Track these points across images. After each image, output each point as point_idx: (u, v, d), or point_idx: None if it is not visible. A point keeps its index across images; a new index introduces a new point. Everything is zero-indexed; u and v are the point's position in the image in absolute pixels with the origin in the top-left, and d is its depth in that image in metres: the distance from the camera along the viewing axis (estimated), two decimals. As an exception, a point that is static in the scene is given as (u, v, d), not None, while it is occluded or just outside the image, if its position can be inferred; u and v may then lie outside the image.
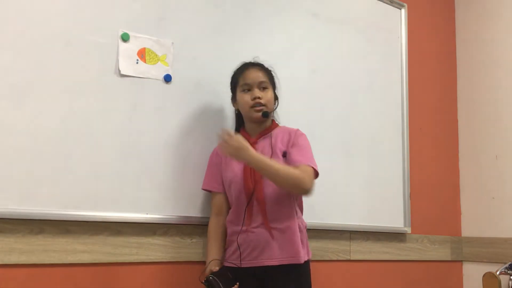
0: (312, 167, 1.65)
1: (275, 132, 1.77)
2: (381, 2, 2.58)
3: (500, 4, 2.77)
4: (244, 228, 1.67)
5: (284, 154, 1.70)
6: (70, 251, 1.58)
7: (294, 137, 1.73)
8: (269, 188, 1.66)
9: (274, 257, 1.64)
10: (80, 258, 1.60)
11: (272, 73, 1.80)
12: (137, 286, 1.71)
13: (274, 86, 1.79)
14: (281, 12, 2.18)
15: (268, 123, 1.78)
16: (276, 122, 1.84)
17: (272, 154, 1.68)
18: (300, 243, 1.66)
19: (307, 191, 1.63)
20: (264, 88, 1.73)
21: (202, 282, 1.63)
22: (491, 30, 2.79)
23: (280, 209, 1.66)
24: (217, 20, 1.98)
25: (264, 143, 1.74)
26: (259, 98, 1.70)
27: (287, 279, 1.64)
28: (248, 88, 1.73)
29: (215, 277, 1.61)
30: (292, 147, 1.70)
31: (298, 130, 1.77)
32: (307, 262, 1.69)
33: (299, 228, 1.69)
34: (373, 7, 2.54)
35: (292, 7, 2.22)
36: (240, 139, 1.57)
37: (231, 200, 1.75)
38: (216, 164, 1.79)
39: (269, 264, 1.63)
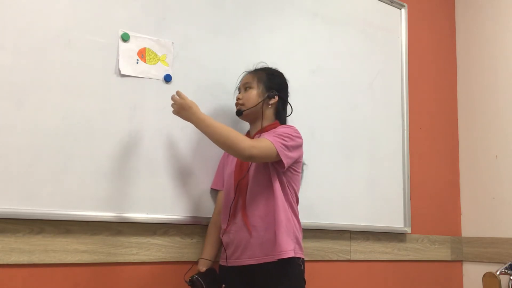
0: (272, 143, 1.57)
1: (270, 130, 1.74)
2: (381, 2, 2.58)
3: (500, 4, 2.77)
4: (228, 227, 1.68)
5: None
6: (70, 251, 1.58)
7: (277, 129, 1.68)
8: (252, 185, 1.65)
9: (254, 256, 1.62)
10: (80, 258, 1.60)
11: (269, 74, 1.78)
12: (137, 286, 1.71)
13: (267, 86, 1.75)
14: (281, 12, 2.18)
15: (265, 123, 1.75)
16: (281, 123, 1.80)
17: None
18: (279, 240, 1.56)
19: (241, 153, 1.54)
20: (248, 88, 1.76)
21: (186, 281, 1.63)
22: (491, 30, 2.80)
23: (261, 206, 1.63)
24: (218, 20, 1.98)
25: None
26: (238, 98, 1.77)
27: (270, 276, 1.60)
28: (239, 92, 1.81)
29: (199, 278, 1.61)
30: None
31: (289, 125, 1.73)
32: (292, 259, 1.58)
33: (285, 224, 1.60)
34: (373, 7, 2.54)
35: (292, 7, 2.22)
36: (186, 99, 1.60)
37: None
38: (222, 164, 1.84)
39: (250, 263, 1.62)
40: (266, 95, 1.74)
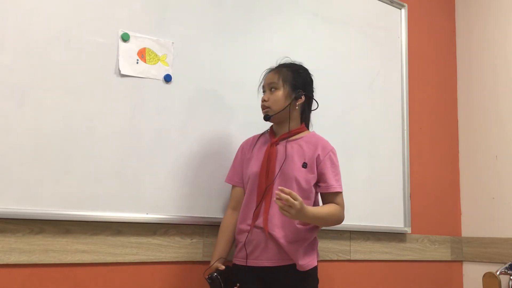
0: (341, 192, 1.75)
1: (300, 138, 1.73)
2: (381, 2, 2.58)
3: (500, 4, 2.77)
4: (250, 227, 1.68)
5: (305, 165, 1.68)
6: (70, 251, 1.58)
7: (326, 155, 1.72)
8: None
9: (272, 258, 1.64)
10: (80, 258, 1.60)
11: (294, 72, 1.73)
12: (137, 286, 1.71)
13: (292, 86, 1.71)
14: (281, 12, 2.19)
15: (292, 125, 1.73)
16: (306, 126, 1.80)
17: (285, 160, 1.67)
18: (299, 251, 1.64)
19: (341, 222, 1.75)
20: (273, 89, 1.71)
21: (205, 278, 1.63)
22: (491, 30, 2.80)
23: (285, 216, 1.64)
24: (217, 20, 1.98)
25: (283, 146, 1.71)
26: (264, 100, 1.71)
27: (287, 280, 1.64)
28: (264, 90, 1.76)
29: (218, 276, 1.62)
30: (325, 166, 1.71)
31: (328, 143, 1.76)
32: (312, 269, 1.67)
33: (305, 236, 1.66)
34: (373, 7, 2.54)
35: (292, 7, 2.22)
36: (302, 201, 1.50)
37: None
38: (240, 159, 1.81)
39: (268, 265, 1.64)
40: (293, 96, 1.71)
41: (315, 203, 1.74)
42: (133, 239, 1.70)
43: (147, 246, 1.73)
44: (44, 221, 1.55)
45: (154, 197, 1.75)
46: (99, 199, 1.64)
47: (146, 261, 1.72)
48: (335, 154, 1.76)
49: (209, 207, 1.85)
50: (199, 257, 1.82)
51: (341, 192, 1.73)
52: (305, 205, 1.52)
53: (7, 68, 1.53)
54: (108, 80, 1.70)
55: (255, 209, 1.67)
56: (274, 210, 1.64)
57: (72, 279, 1.59)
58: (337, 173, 1.74)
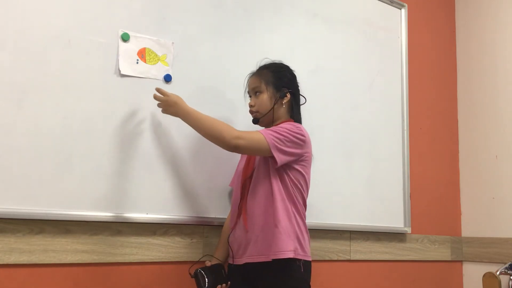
0: (264, 136, 1.54)
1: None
2: (381, 2, 2.58)
3: (500, 4, 2.77)
4: (235, 226, 1.69)
5: None
6: (70, 251, 1.58)
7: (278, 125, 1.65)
8: (253, 183, 1.64)
9: (251, 254, 1.62)
10: (80, 258, 1.60)
11: (275, 72, 1.73)
12: (137, 286, 1.71)
13: (276, 86, 1.70)
14: (281, 12, 2.19)
15: (279, 122, 1.71)
16: (296, 120, 1.75)
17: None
18: (276, 240, 1.54)
19: (226, 143, 1.54)
20: (258, 93, 1.71)
21: (190, 274, 1.64)
22: (491, 30, 2.80)
23: (260, 205, 1.61)
24: (217, 20, 1.98)
25: None
26: (251, 106, 1.73)
27: (266, 277, 1.58)
28: (250, 95, 1.77)
29: (202, 271, 1.63)
30: None
31: (288, 121, 1.69)
32: (290, 261, 1.55)
33: (285, 224, 1.57)
34: (373, 7, 2.54)
35: (292, 7, 2.22)
36: (169, 95, 1.61)
37: None
38: (239, 163, 1.83)
39: (248, 262, 1.62)
40: (277, 96, 1.70)
41: (292, 184, 1.62)
42: (133, 239, 1.70)
43: (147, 246, 1.73)
44: (44, 221, 1.55)
45: (154, 197, 1.75)
46: (99, 199, 1.64)
47: (146, 261, 1.72)
48: (290, 124, 1.63)
49: (209, 207, 1.85)
50: (199, 257, 1.81)
51: (257, 132, 1.55)
52: (181, 103, 1.61)
53: (7, 68, 1.53)
54: (108, 80, 1.70)
55: (239, 207, 1.67)
56: (250, 202, 1.64)
57: (72, 279, 1.59)
58: (275, 131, 1.57)
